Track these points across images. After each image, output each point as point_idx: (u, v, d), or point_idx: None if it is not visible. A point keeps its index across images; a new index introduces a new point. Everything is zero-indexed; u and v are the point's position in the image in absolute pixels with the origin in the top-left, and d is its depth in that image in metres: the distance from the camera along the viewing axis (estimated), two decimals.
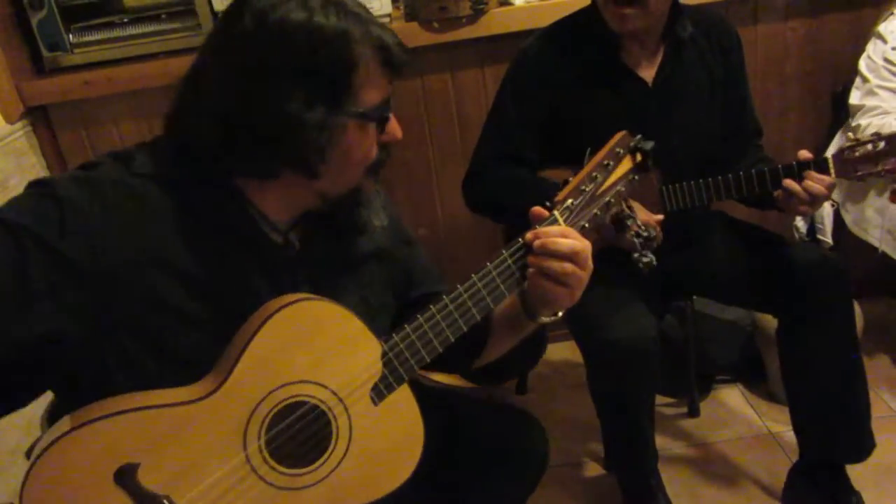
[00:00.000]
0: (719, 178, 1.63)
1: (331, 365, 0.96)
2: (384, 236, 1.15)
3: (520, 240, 1.06)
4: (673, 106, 1.69)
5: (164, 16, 2.20)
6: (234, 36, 0.92)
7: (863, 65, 2.02)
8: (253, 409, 0.91)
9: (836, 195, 2.21)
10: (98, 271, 0.87)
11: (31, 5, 2.11)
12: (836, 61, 2.29)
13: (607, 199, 1.13)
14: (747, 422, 2.17)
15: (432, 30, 2.16)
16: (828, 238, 2.21)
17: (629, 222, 1.14)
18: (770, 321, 1.90)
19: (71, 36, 2.17)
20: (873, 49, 2.02)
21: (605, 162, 1.13)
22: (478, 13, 2.13)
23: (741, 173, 1.62)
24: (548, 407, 2.33)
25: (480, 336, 1.15)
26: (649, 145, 1.16)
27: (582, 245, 1.04)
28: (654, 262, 1.14)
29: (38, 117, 2.21)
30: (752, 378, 2.30)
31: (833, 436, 1.74)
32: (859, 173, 1.52)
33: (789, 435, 1.84)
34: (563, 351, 2.57)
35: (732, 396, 2.28)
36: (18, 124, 2.14)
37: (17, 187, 2.05)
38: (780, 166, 1.57)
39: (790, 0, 2.26)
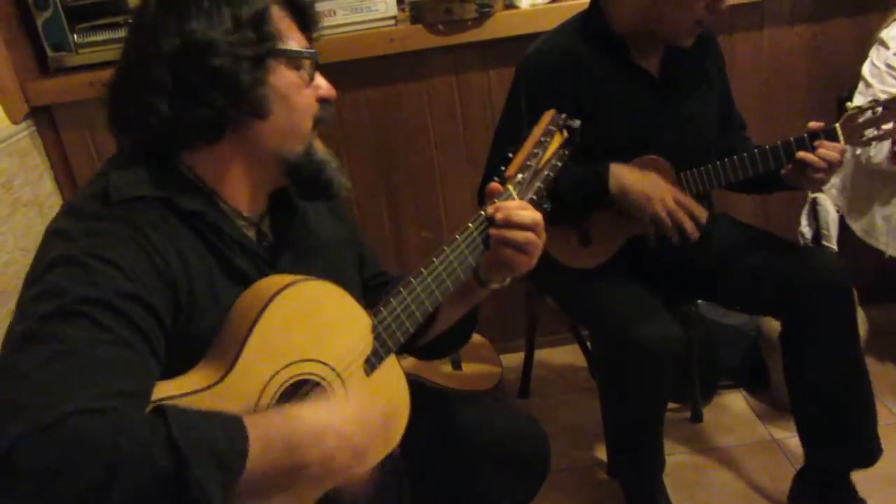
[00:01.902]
0: (734, 157, 1.65)
1: (328, 341, 0.99)
2: (341, 223, 1.22)
3: (482, 213, 1.14)
4: (679, 97, 1.72)
5: None
6: (149, 15, 0.97)
7: (866, 70, 2.02)
8: (262, 389, 0.92)
9: (840, 202, 2.21)
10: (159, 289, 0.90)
11: (36, 5, 2.11)
12: (841, 66, 2.29)
13: (546, 172, 1.24)
14: (751, 428, 2.16)
15: (437, 32, 2.16)
16: (833, 244, 2.20)
17: (543, 194, 1.26)
18: (774, 327, 1.89)
19: (76, 36, 2.17)
20: (876, 55, 2.02)
21: (543, 139, 1.24)
22: (483, 16, 2.13)
23: (755, 150, 1.63)
24: (550, 411, 2.33)
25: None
26: (577, 123, 1.29)
27: (539, 216, 1.15)
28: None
29: (43, 117, 2.21)
30: (756, 384, 2.29)
31: (839, 442, 1.73)
32: (865, 138, 1.61)
33: (793, 441, 1.83)
34: (565, 355, 2.57)
35: (736, 402, 2.28)
36: (23, 124, 2.14)
37: (21, 187, 2.06)
38: (791, 139, 1.60)
39: (796, 5, 2.25)
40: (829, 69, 2.32)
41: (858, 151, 2.02)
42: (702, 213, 1.60)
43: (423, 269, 1.09)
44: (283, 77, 1.00)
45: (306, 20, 1.05)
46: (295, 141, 1.03)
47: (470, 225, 1.13)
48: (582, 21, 1.74)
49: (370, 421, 0.95)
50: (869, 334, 2.15)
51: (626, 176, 1.62)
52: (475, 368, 2.31)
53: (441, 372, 2.24)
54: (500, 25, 2.15)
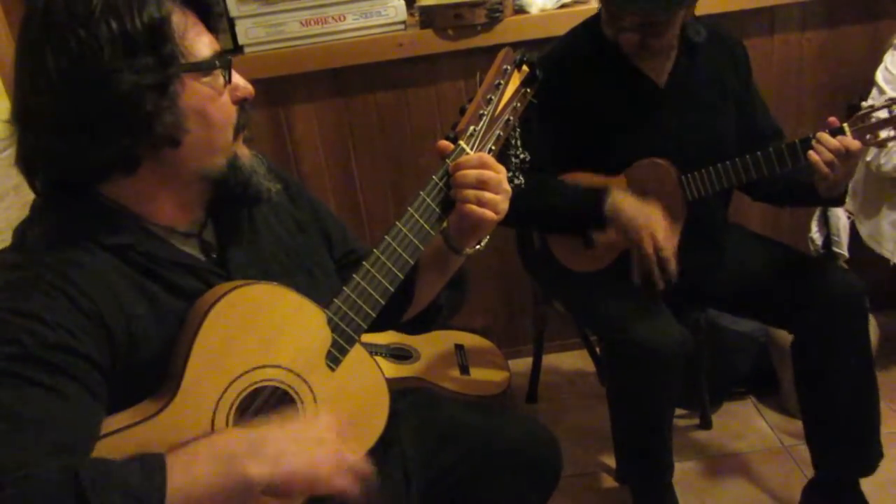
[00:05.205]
0: (737, 159, 1.63)
1: (279, 344, 0.96)
2: (299, 207, 1.17)
3: (433, 178, 1.09)
4: (686, 108, 1.71)
5: None
6: (33, 44, 0.87)
7: (880, 76, 2.01)
8: (215, 407, 0.91)
9: (851, 206, 2.20)
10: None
11: None
12: (852, 72, 2.28)
13: (506, 117, 1.14)
14: (760, 435, 2.15)
15: (447, 37, 2.15)
16: (844, 251, 2.19)
17: (513, 141, 1.17)
18: (784, 334, 1.88)
19: None
20: (891, 60, 2.01)
21: (496, 82, 1.14)
22: (493, 21, 2.13)
23: (759, 153, 1.61)
24: (558, 416, 2.32)
25: (407, 285, 1.14)
26: (534, 56, 1.17)
27: (487, 174, 1.06)
28: (523, 185, 1.17)
29: None
30: (765, 391, 2.28)
31: (845, 451, 1.73)
32: (880, 139, 1.53)
33: (802, 448, 1.82)
34: (573, 360, 2.56)
35: (745, 409, 2.27)
36: None
37: (29, 193, 2.06)
38: (797, 140, 1.58)
39: (807, 11, 2.25)
40: (839, 76, 2.31)
41: (869, 158, 2.01)
42: (673, 271, 1.57)
43: (374, 250, 1.05)
44: (195, 93, 0.91)
45: (210, 16, 0.95)
46: (217, 156, 0.96)
47: (421, 193, 1.08)
48: (588, 28, 1.73)
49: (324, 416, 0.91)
50: (879, 341, 2.14)
51: (624, 200, 1.60)
52: (483, 373, 2.31)
53: (449, 377, 2.23)
54: (510, 30, 2.15)
